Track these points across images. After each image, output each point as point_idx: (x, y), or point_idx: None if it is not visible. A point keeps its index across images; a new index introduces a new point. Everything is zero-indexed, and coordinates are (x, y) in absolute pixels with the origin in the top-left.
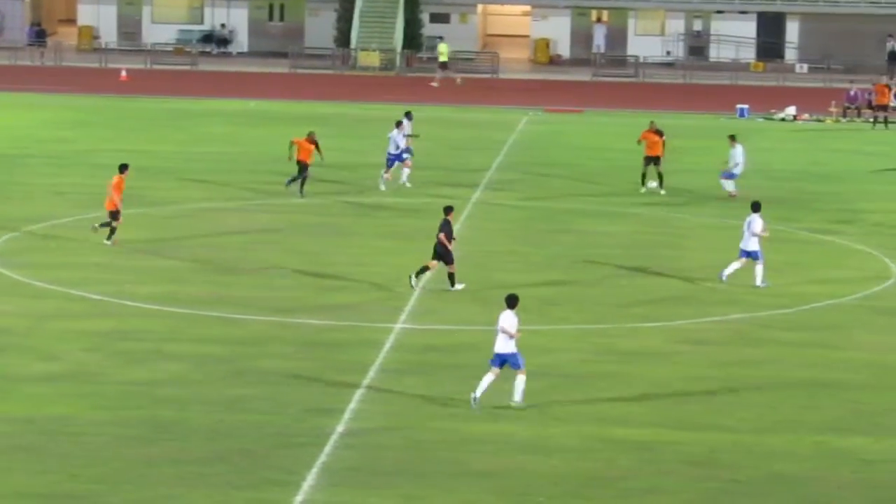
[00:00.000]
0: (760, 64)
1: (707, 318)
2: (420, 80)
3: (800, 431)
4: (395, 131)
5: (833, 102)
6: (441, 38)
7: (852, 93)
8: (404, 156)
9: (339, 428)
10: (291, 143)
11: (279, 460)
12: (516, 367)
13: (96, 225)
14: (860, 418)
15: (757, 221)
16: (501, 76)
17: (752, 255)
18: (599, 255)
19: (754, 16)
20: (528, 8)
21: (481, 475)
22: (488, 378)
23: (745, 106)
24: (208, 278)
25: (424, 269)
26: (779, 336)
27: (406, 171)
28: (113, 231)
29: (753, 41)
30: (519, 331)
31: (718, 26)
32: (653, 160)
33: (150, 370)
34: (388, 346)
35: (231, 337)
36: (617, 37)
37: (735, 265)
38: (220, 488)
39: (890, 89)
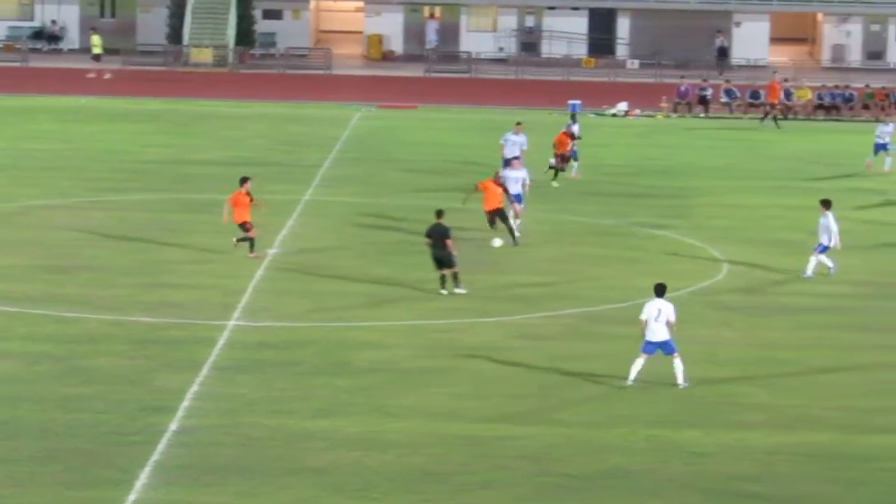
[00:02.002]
0: (592, 60)
1: (541, 313)
2: (254, 77)
3: (633, 425)
4: (508, 169)
5: (664, 98)
6: (94, 28)
7: (683, 88)
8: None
9: (173, 426)
10: (476, 189)
11: (112, 459)
12: (672, 352)
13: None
14: (692, 412)
15: None
16: (335, 72)
17: None
18: None
19: (586, 12)
20: (360, 4)
21: (316, 471)
22: (640, 362)
23: (577, 101)
24: (40, 276)
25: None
26: (612, 331)
27: (517, 221)
28: (251, 242)
29: (585, 37)
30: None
31: (550, 22)
32: (560, 157)
33: None
34: (221, 343)
35: (64, 335)
36: (449, 33)
37: None
38: (52, 487)
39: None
